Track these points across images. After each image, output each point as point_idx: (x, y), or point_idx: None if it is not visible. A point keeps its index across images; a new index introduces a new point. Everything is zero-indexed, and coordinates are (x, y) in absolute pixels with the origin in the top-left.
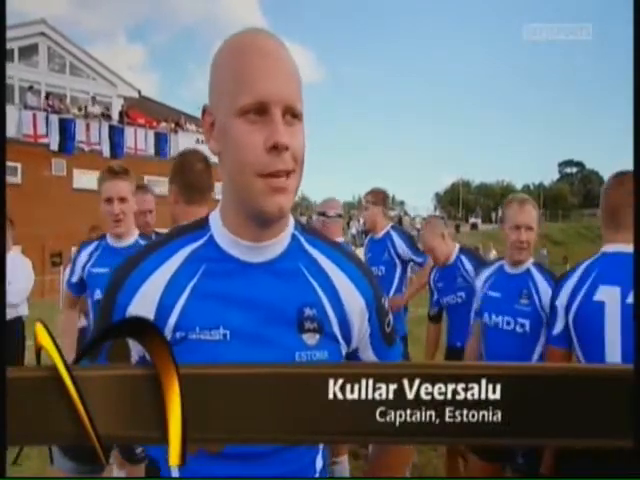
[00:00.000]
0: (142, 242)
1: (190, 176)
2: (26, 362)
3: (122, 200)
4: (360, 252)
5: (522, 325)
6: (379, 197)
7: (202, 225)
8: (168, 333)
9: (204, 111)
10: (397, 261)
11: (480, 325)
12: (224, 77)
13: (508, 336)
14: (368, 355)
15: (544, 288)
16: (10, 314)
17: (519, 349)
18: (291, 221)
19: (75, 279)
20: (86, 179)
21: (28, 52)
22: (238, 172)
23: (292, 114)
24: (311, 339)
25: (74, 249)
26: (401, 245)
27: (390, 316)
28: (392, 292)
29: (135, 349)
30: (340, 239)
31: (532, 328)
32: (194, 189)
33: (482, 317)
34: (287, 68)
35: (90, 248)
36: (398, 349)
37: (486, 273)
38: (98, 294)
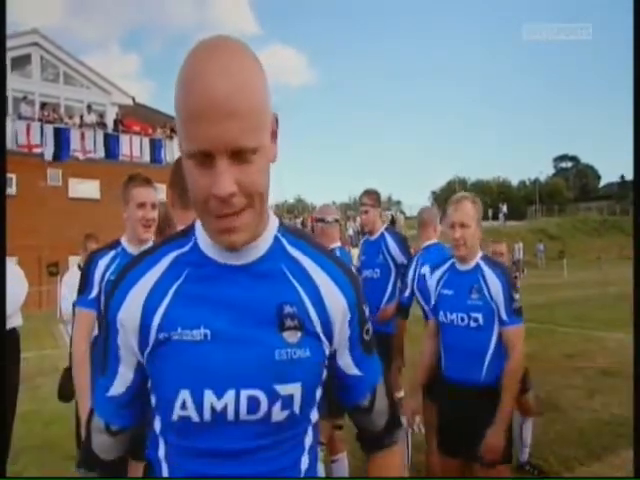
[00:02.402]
0: None
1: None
2: (21, 374)
3: (153, 206)
4: (357, 252)
5: (476, 319)
6: (376, 199)
7: (188, 232)
8: (152, 334)
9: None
10: (391, 264)
11: (436, 323)
12: (177, 106)
13: (463, 331)
14: (346, 361)
15: (493, 281)
16: None
17: (475, 342)
18: (274, 223)
19: (94, 293)
20: (82, 188)
21: (21, 62)
22: (194, 206)
23: (241, 155)
24: (292, 337)
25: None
26: (394, 247)
27: (369, 324)
28: (385, 299)
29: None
30: (337, 243)
31: (485, 320)
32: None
33: (438, 315)
34: (239, 100)
35: (107, 258)
36: (377, 363)
37: (439, 272)
38: None
